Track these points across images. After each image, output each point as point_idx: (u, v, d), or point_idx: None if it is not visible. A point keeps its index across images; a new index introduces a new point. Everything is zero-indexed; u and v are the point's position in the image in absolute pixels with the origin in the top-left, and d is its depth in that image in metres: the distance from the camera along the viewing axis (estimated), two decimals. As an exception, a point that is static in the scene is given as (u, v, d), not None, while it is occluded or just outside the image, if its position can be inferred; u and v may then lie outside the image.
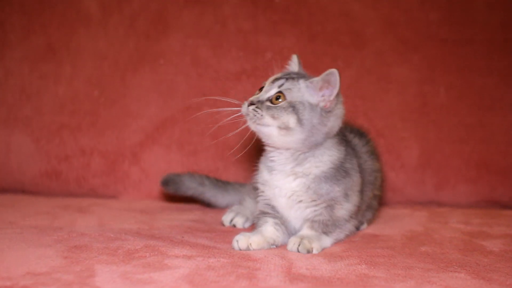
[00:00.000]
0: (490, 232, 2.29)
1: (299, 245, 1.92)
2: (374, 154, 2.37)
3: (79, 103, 3.09)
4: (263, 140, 2.08)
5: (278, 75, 2.10)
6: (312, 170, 2.02)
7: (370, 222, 2.41)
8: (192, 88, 3.06)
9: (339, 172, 2.04)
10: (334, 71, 1.97)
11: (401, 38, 3.08)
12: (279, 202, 2.08)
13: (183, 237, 2.09)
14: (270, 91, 2.03)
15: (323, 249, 1.98)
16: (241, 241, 1.96)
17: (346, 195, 2.04)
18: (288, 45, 3.08)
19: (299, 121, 1.97)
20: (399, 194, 2.99)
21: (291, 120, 1.96)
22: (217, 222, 2.43)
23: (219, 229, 2.30)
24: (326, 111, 2.00)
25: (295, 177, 2.04)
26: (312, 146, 2.02)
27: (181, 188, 2.67)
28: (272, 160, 2.09)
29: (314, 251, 1.92)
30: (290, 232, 2.10)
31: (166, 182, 2.66)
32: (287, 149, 2.04)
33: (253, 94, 2.07)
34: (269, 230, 2.06)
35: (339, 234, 2.07)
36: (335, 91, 1.99)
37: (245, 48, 3.09)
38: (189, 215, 2.58)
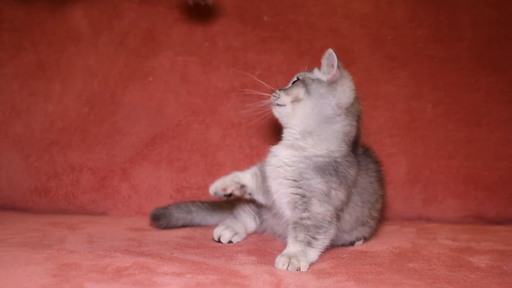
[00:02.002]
0: (477, 248, 2.30)
1: (288, 265, 1.94)
2: (381, 181, 2.44)
3: (69, 120, 3.10)
4: (283, 123, 2.28)
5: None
6: (308, 148, 2.16)
7: (366, 240, 2.43)
8: (181, 105, 3.08)
9: (328, 167, 2.12)
10: (330, 50, 2.22)
11: (389, 55, 3.11)
12: (268, 170, 2.24)
13: (172, 253, 2.09)
14: (291, 81, 2.31)
15: (311, 264, 2.00)
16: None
17: (327, 195, 2.09)
18: (277, 62, 3.10)
19: (307, 91, 2.19)
20: (388, 209, 2.99)
21: (300, 91, 2.20)
22: (206, 238, 2.44)
23: (208, 245, 2.30)
24: (331, 82, 2.20)
25: (291, 149, 2.20)
26: (322, 120, 2.18)
27: (171, 221, 2.68)
28: (283, 137, 2.28)
29: (303, 269, 1.94)
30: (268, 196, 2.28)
31: (157, 217, 2.66)
32: (301, 123, 2.20)
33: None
34: (246, 175, 2.38)
35: (324, 240, 2.07)
36: (335, 64, 2.20)
37: (234, 65, 3.11)
38: (178, 231, 2.58)
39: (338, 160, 2.13)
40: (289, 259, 1.95)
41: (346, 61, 3.06)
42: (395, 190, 3.01)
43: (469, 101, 3.06)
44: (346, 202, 2.17)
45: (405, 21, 3.13)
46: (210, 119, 3.07)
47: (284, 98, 2.23)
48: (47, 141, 3.08)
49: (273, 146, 2.27)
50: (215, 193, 2.37)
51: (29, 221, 2.73)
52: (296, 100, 2.20)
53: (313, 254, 2.04)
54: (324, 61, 2.24)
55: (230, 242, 2.38)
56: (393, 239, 2.48)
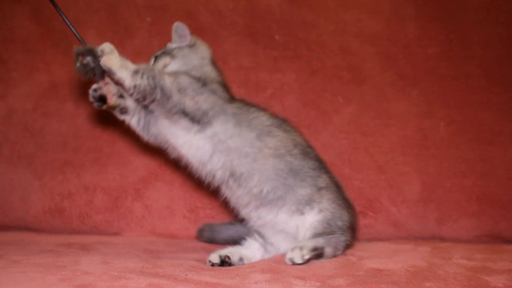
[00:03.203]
0: (493, 268, 2.28)
1: None
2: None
3: (82, 140, 3.12)
4: None
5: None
6: None
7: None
8: (194, 124, 3.08)
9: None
10: (177, 23, 2.56)
11: (400, 73, 3.12)
12: None
13: (186, 275, 2.08)
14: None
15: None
16: None
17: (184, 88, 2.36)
18: (289, 81, 3.11)
19: (172, 56, 2.52)
20: (402, 229, 2.99)
21: (166, 58, 2.52)
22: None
23: (222, 267, 2.29)
24: (190, 46, 2.56)
25: None
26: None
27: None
28: None
29: None
30: None
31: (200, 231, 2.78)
32: None
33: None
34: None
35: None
36: (187, 33, 2.56)
37: (246, 85, 3.12)
38: (192, 253, 2.57)
39: None
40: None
41: (357, 80, 3.10)
42: (409, 209, 3.00)
43: (481, 119, 3.06)
44: None
45: (415, 40, 3.14)
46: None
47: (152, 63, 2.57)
48: (60, 161, 3.10)
49: None
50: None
51: (43, 242, 2.73)
52: (164, 66, 2.51)
53: None
54: (175, 36, 2.57)
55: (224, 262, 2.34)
56: (408, 258, 2.46)
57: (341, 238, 2.37)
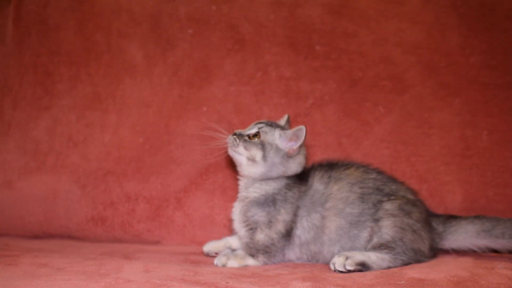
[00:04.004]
0: (538, 278, 2.24)
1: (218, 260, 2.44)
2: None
3: (124, 150, 3.15)
4: (237, 167, 2.57)
5: (263, 120, 2.60)
6: (250, 195, 2.50)
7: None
8: (234, 135, 3.10)
9: (267, 200, 2.46)
10: (303, 127, 2.45)
11: (442, 82, 3.09)
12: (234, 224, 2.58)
13: (227, 282, 2.09)
14: (252, 130, 2.52)
15: (244, 266, 2.44)
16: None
17: (269, 222, 2.43)
18: (329, 91, 3.10)
19: (264, 157, 2.46)
20: (444, 238, 2.95)
21: (258, 154, 2.46)
22: (260, 268, 2.43)
23: (263, 274, 2.29)
24: (288, 156, 2.49)
25: (240, 201, 2.54)
26: (269, 178, 2.49)
27: None
28: (239, 187, 2.60)
29: (228, 266, 2.41)
30: None
31: None
32: (248, 177, 2.53)
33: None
34: (236, 239, 2.64)
35: (267, 259, 2.46)
36: (299, 143, 2.47)
37: (287, 95, 3.13)
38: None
39: (275, 191, 2.48)
40: (223, 255, 2.47)
41: (398, 89, 3.07)
42: (451, 218, 2.96)
43: (524, 128, 3.02)
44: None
45: (457, 49, 3.11)
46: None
47: (242, 149, 2.48)
48: (103, 171, 3.14)
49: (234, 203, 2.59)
50: (207, 254, 2.66)
51: (86, 250, 2.77)
52: (252, 159, 2.47)
53: (250, 261, 2.47)
54: (291, 132, 2.48)
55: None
56: (449, 267, 2.43)
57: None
